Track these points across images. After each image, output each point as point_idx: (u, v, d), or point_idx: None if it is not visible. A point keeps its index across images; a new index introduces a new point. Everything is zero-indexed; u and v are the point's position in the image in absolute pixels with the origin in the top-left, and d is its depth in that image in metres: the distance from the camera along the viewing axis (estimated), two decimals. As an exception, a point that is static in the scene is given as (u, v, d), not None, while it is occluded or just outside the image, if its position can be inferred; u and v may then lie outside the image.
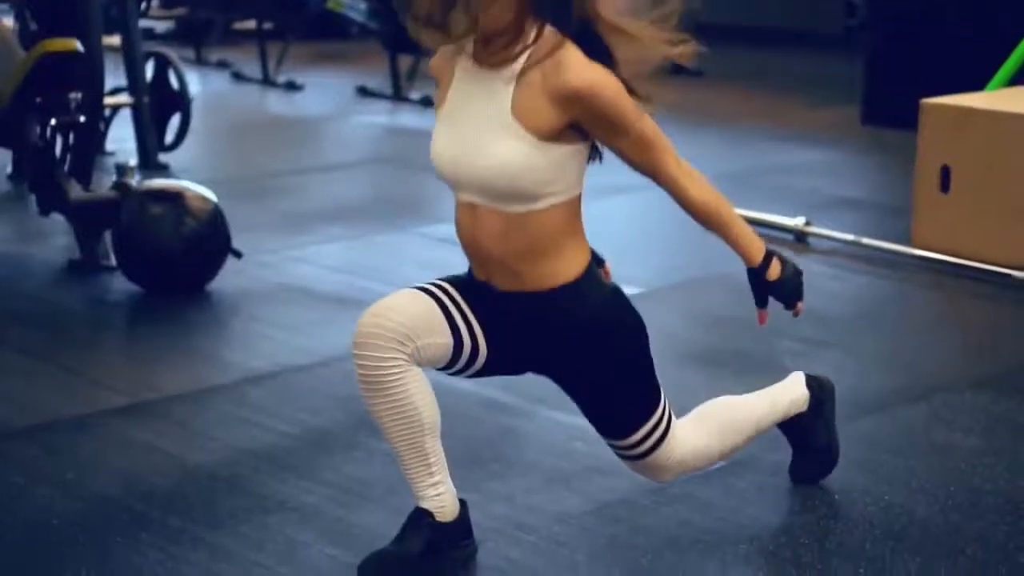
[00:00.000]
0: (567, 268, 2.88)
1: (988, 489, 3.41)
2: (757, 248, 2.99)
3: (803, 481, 3.43)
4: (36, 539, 3.16)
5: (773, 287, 3.02)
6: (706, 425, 3.19)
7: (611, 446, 3.11)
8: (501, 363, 2.98)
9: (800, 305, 3.05)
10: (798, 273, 3.06)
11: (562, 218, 2.84)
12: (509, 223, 2.81)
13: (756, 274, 3.01)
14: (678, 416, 3.14)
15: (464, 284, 2.96)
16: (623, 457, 3.11)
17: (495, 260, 2.86)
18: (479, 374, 3.00)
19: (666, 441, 3.07)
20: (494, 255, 2.85)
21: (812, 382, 3.40)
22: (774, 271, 3.00)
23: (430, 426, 2.89)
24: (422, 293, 2.89)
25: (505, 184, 2.77)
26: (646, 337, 3.00)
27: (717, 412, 3.23)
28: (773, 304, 3.05)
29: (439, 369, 2.95)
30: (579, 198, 2.88)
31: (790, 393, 3.37)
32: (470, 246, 2.90)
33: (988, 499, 3.36)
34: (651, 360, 3.01)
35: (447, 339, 2.87)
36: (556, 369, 3.00)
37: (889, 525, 3.23)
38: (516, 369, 3.04)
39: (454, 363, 2.93)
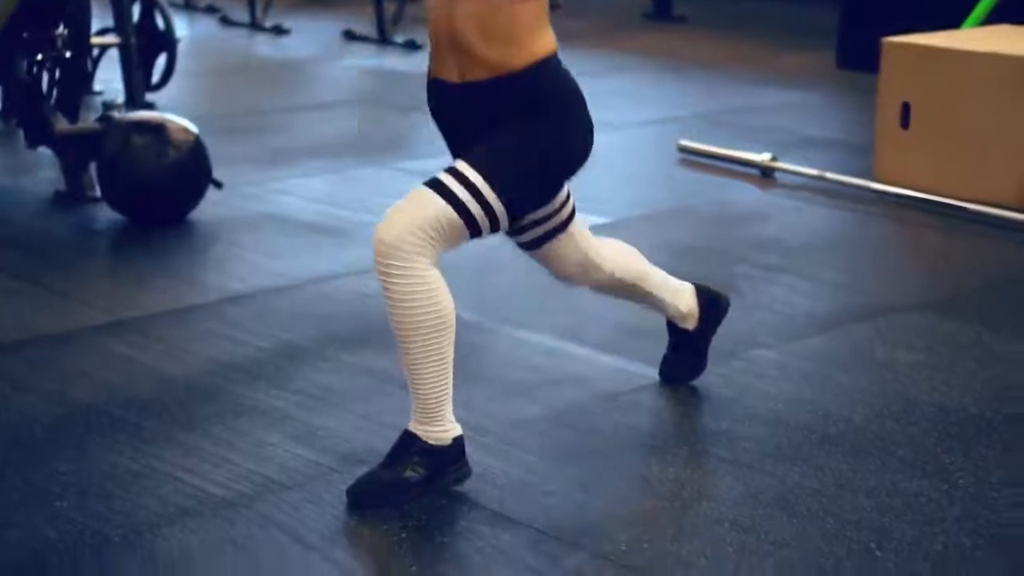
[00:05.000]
0: (541, 47, 3.02)
1: (923, 400, 3.60)
2: None
3: (670, 380, 3.67)
4: (19, 440, 3.34)
5: None
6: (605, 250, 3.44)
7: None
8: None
9: None
10: None
11: (535, 10, 3.01)
12: (487, 10, 2.97)
13: None
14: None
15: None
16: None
17: (469, 49, 2.99)
18: None
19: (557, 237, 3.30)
20: (471, 44, 2.99)
21: (708, 304, 3.63)
22: None
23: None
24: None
25: None
26: (581, 140, 3.10)
27: (622, 249, 3.50)
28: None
29: None
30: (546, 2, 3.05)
31: (680, 297, 3.59)
32: (448, 40, 3.02)
33: (922, 408, 3.55)
34: (567, 167, 3.11)
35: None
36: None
37: (826, 431, 3.41)
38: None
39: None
